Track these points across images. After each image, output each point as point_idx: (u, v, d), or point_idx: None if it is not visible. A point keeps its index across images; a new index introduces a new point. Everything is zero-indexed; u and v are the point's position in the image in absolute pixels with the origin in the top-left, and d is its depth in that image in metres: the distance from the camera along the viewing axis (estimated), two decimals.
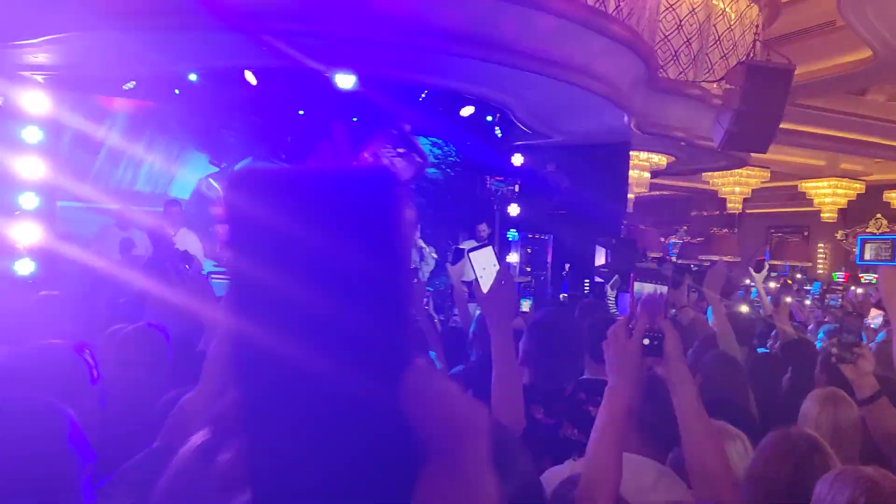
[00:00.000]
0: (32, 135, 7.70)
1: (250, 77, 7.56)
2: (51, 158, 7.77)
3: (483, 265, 2.02)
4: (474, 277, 2.01)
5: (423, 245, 8.01)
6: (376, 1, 5.46)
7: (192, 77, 7.59)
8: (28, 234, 7.34)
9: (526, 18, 5.84)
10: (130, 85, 7.92)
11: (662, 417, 1.86)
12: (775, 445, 1.92)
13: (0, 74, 7.21)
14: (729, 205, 15.35)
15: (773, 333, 5.02)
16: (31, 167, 7.47)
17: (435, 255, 8.23)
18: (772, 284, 8.50)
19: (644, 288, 1.74)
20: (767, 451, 1.92)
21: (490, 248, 2.08)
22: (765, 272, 9.32)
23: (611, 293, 8.97)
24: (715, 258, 16.62)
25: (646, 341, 1.67)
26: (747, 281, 9.93)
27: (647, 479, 1.93)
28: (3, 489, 1.16)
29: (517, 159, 9.94)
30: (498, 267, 2.00)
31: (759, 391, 3.45)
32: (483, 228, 8.88)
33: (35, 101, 7.47)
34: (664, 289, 1.73)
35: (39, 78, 7.68)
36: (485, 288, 1.95)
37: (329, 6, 5.42)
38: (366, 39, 5.62)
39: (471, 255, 2.03)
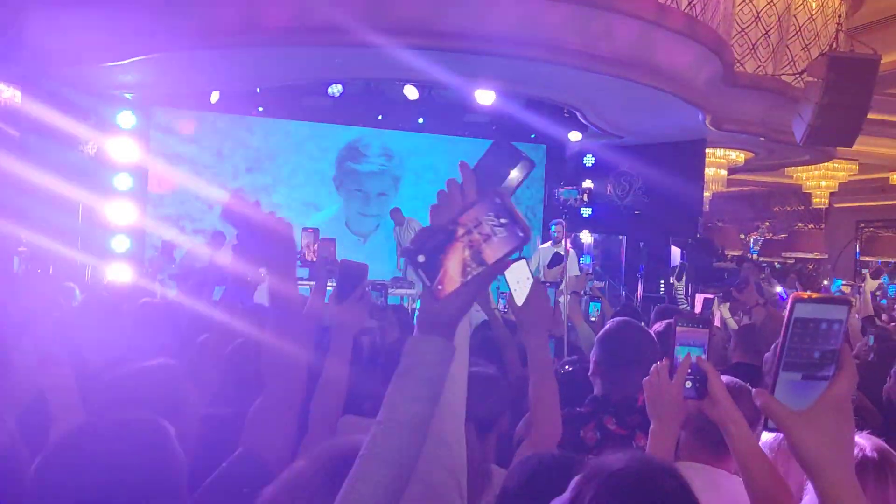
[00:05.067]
0: (124, 149, 8.19)
1: (335, 89, 7.80)
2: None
3: (517, 278, 2.02)
4: (509, 290, 2.03)
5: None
6: (497, 22, 5.51)
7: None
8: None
9: (607, 24, 5.81)
10: (216, 97, 8.28)
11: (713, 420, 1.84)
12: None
13: (92, 93, 7.67)
14: (815, 199, 14.72)
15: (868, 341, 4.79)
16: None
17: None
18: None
19: (684, 333, 1.72)
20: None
21: (524, 261, 2.09)
22: (879, 281, 8.83)
23: (678, 285, 8.78)
24: (800, 255, 15.98)
25: (687, 384, 1.65)
26: (825, 281, 9.50)
27: (709, 486, 1.93)
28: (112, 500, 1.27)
29: (588, 160, 9.87)
30: (532, 280, 2.01)
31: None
32: (559, 229, 8.65)
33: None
34: (705, 332, 1.71)
35: (128, 95, 8.14)
36: (519, 301, 1.98)
37: (452, 25, 5.46)
38: (471, 52, 5.64)
39: (506, 273, 2.04)
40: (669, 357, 1.69)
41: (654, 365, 1.70)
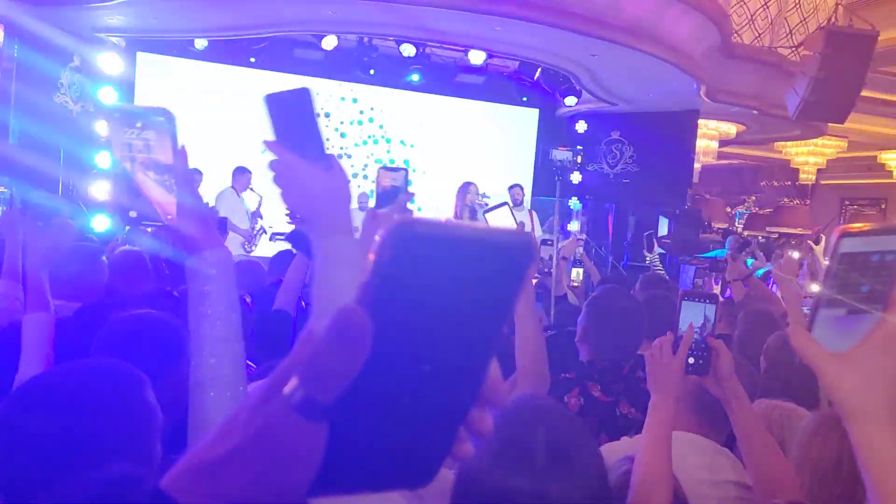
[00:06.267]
0: (108, 95, 7.98)
1: (328, 43, 7.60)
2: None
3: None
4: None
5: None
6: None
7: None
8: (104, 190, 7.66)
9: None
10: (203, 45, 8.07)
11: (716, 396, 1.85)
12: (818, 426, 1.85)
13: (78, 35, 7.46)
14: (802, 175, 14.76)
15: None
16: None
17: None
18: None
19: (690, 308, 1.70)
20: (810, 434, 1.85)
21: (506, 206, 2.00)
22: (822, 245, 9.00)
23: (650, 256, 8.80)
24: (784, 230, 16.09)
25: (690, 360, 1.64)
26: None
27: (703, 458, 1.94)
28: (85, 445, 1.23)
29: (581, 126, 9.79)
30: (515, 227, 1.94)
31: None
32: (517, 192, 8.57)
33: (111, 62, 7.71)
34: (712, 308, 1.70)
35: (115, 39, 7.92)
36: None
37: None
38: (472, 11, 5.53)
39: (486, 215, 1.97)
40: (673, 331, 1.67)
41: (658, 339, 1.68)
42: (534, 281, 4.24)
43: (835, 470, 1.76)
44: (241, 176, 7.83)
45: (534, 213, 8.06)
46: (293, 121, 1.01)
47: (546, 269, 4.67)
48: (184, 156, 1.04)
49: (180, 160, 1.03)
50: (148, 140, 1.00)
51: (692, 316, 1.69)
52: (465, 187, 7.97)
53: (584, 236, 8.74)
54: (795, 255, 6.32)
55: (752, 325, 3.36)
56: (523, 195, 8.53)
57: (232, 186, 7.83)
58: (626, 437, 2.05)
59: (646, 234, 8.91)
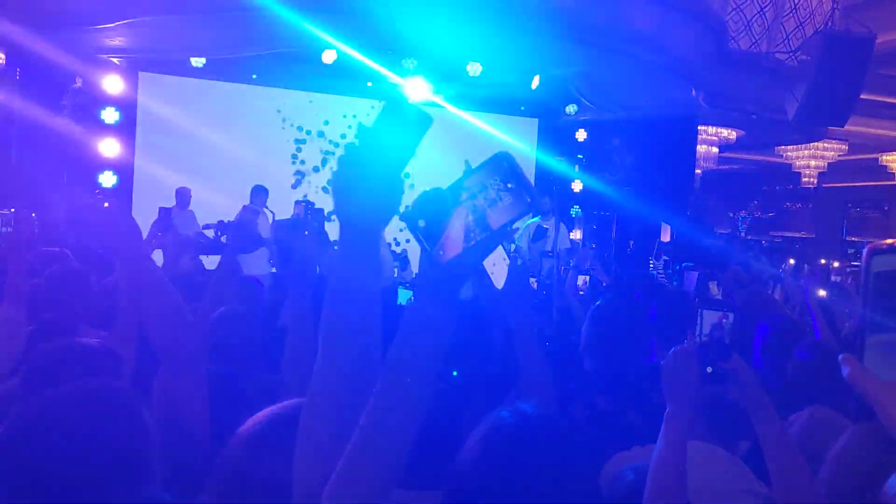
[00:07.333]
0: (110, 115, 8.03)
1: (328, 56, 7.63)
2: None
3: (492, 261, 1.99)
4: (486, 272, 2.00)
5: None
6: None
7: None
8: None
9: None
10: (201, 62, 8.11)
11: (728, 405, 1.84)
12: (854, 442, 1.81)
13: (79, 56, 7.50)
14: (803, 179, 14.74)
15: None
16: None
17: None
18: None
19: (709, 316, 1.70)
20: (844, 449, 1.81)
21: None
22: None
23: (657, 264, 8.84)
24: (787, 234, 16.08)
25: (709, 369, 1.64)
26: (822, 261, 9.59)
27: (717, 467, 1.93)
28: (83, 471, 1.22)
29: (581, 134, 9.81)
30: (508, 260, 2.00)
31: None
32: (545, 202, 8.68)
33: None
34: (729, 317, 1.70)
35: (116, 60, 7.98)
36: (497, 282, 1.97)
37: None
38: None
39: None
40: (689, 340, 1.67)
41: (674, 348, 1.68)
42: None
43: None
44: (261, 194, 7.90)
45: (563, 225, 8.13)
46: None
47: (548, 281, 4.67)
48: (505, 235, 1.04)
49: (502, 235, 1.01)
50: (500, 199, 1.00)
51: (709, 325, 1.68)
52: None
53: (593, 245, 8.80)
54: None
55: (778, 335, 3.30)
56: (551, 205, 8.63)
57: (251, 204, 7.86)
58: (637, 446, 2.03)
59: (656, 244, 8.97)
